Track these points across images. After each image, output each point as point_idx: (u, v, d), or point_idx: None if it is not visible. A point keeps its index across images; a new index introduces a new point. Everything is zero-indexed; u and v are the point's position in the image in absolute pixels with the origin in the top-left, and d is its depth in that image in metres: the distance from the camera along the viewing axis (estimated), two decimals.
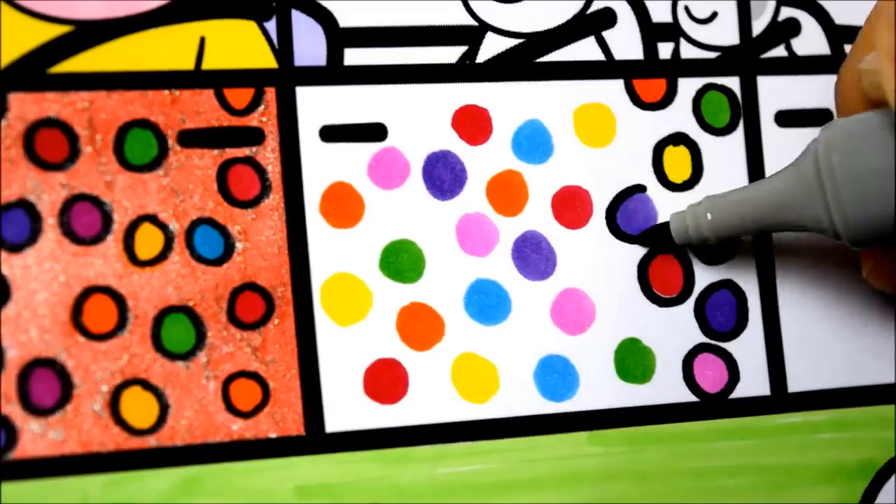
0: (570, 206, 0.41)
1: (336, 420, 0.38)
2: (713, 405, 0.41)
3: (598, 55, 0.42)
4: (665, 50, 0.42)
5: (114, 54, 0.38)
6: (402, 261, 0.39)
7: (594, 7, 0.42)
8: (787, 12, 0.43)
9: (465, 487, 0.39)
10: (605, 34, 0.42)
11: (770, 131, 0.43)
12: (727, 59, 0.43)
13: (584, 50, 0.42)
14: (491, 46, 0.41)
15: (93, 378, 0.37)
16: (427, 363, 0.39)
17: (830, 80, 0.41)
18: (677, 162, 0.42)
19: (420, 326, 0.39)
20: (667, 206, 0.42)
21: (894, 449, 0.42)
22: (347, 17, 0.40)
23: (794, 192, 0.38)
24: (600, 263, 0.41)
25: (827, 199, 0.37)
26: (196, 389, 0.37)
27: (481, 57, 0.41)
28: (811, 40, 0.44)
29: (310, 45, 0.40)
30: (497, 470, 0.39)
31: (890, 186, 0.35)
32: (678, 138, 0.42)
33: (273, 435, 0.38)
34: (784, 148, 0.42)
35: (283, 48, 0.39)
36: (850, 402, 0.42)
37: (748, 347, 0.42)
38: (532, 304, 0.40)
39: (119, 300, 0.37)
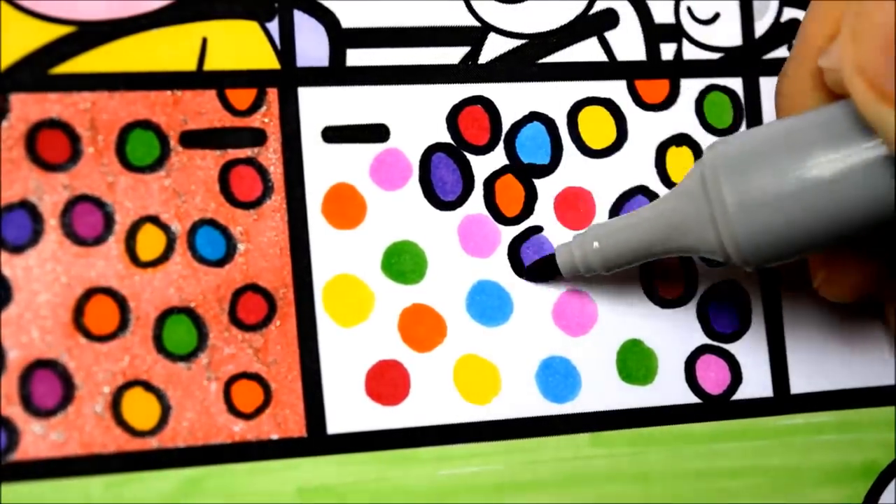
0: (573, 207, 0.41)
1: (338, 421, 0.38)
2: (716, 407, 0.41)
3: (601, 56, 0.42)
4: (668, 51, 0.42)
5: (116, 55, 0.38)
6: (403, 262, 0.39)
7: (596, 8, 0.42)
8: (789, 13, 0.43)
9: (467, 489, 0.39)
10: (608, 35, 0.42)
11: None
12: (730, 61, 0.43)
13: (587, 51, 0.42)
14: (493, 47, 0.41)
15: (94, 379, 0.37)
16: (429, 364, 0.39)
17: None
18: (680, 163, 0.42)
19: (422, 328, 0.39)
20: None
21: None
22: (350, 18, 0.40)
23: (682, 215, 0.36)
24: None
25: (717, 223, 0.35)
26: (198, 391, 0.37)
27: (484, 58, 0.41)
28: None
29: (312, 46, 0.40)
30: (499, 471, 0.39)
31: (782, 206, 0.34)
32: (681, 139, 0.42)
33: (275, 436, 0.38)
34: None
35: (286, 49, 0.39)
36: (853, 404, 0.42)
37: (751, 349, 0.42)
38: (534, 305, 0.40)
39: (121, 301, 0.37)
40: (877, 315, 0.43)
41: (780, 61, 0.43)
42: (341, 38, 0.40)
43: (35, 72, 0.37)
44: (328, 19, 0.40)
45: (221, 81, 0.39)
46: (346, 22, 0.40)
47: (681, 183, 0.37)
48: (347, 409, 0.38)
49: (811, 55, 0.36)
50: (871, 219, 0.33)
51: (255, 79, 0.39)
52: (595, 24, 0.42)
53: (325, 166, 0.39)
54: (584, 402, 0.40)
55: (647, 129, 0.42)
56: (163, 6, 0.39)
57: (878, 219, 0.33)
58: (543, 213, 0.41)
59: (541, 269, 0.40)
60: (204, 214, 0.38)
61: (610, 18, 0.42)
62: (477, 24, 0.41)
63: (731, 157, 0.35)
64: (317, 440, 0.38)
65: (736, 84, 0.43)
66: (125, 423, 0.37)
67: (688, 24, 0.43)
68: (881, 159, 0.33)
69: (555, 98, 0.41)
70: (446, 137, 0.40)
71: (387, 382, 0.39)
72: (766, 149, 0.34)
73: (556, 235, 0.41)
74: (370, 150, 0.40)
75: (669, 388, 0.41)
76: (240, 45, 0.39)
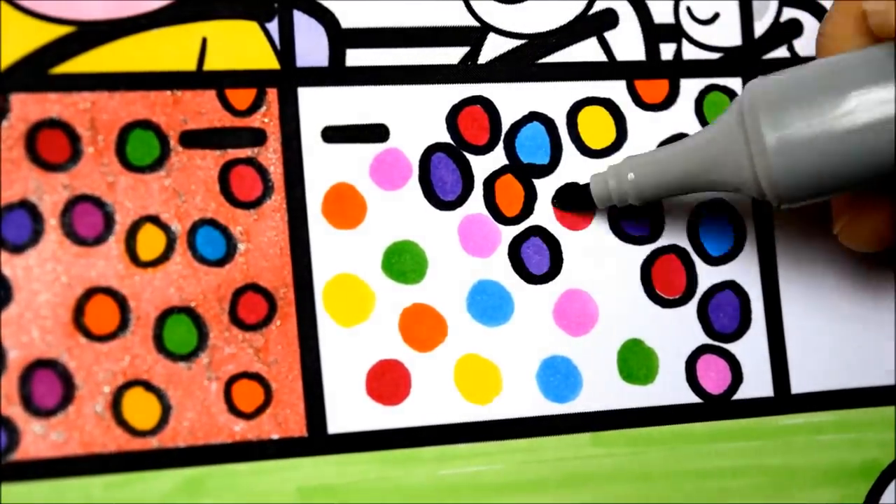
0: None
1: (338, 421, 0.38)
2: (716, 406, 0.41)
3: (600, 56, 0.42)
4: (667, 51, 0.42)
5: (116, 55, 0.38)
6: (404, 262, 0.39)
7: (596, 8, 0.42)
8: (788, 13, 0.43)
9: (467, 489, 0.39)
10: (607, 35, 0.42)
11: None
12: (729, 60, 0.43)
13: (586, 51, 0.42)
14: (493, 47, 0.41)
15: (95, 379, 0.37)
16: (430, 364, 0.39)
17: None
18: None
19: (422, 327, 0.39)
20: (670, 206, 0.42)
21: None
22: (349, 18, 0.40)
23: (718, 150, 0.36)
24: (603, 264, 0.41)
25: (753, 159, 0.35)
26: (198, 390, 0.37)
27: (483, 58, 0.41)
28: (813, 41, 0.43)
29: (312, 46, 0.40)
30: (500, 471, 0.39)
31: (820, 146, 0.34)
32: (680, 139, 0.42)
33: (275, 436, 0.38)
34: None
35: (285, 49, 0.39)
36: (854, 404, 0.42)
37: (751, 348, 0.42)
38: (535, 304, 0.40)
39: (121, 301, 0.37)
40: (878, 314, 0.43)
41: (780, 61, 0.43)
42: (341, 39, 0.40)
43: (35, 72, 0.37)
44: (328, 19, 0.40)
45: (221, 81, 0.39)
46: (346, 22, 0.40)
47: (717, 119, 0.37)
48: (348, 409, 0.38)
49: None
50: None
51: (254, 79, 0.39)
52: (594, 24, 0.42)
53: (325, 166, 0.39)
54: (584, 402, 0.40)
55: (647, 129, 0.42)
56: (163, 6, 0.39)
57: None
58: (543, 213, 0.41)
59: (573, 198, 0.40)
60: (204, 214, 0.38)
61: (609, 18, 0.42)
62: (476, 24, 0.41)
63: (770, 96, 0.35)
64: (317, 440, 0.38)
65: (735, 84, 0.43)
66: (125, 422, 0.37)
67: (687, 24, 0.43)
68: None
69: (554, 98, 0.41)
70: (446, 137, 0.40)
71: (387, 382, 0.39)
72: (807, 88, 0.34)
73: (558, 235, 0.41)
74: (370, 150, 0.40)
75: (670, 388, 0.41)
76: (240, 45, 0.39)
